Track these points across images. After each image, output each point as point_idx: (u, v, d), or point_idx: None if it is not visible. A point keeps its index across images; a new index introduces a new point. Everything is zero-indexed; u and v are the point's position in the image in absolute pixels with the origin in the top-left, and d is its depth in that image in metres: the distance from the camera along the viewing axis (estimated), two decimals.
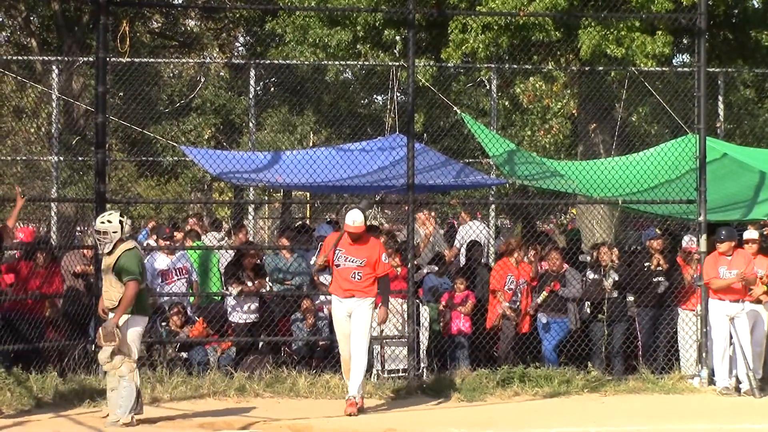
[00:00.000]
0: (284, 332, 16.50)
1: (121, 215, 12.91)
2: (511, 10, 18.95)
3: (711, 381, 15.89)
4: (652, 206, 17.11)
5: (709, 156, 16.43)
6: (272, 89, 28.87)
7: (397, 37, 20.71)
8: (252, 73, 20.37)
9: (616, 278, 16.75)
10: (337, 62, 21.61)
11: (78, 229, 22.22)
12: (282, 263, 17.05)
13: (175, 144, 21.07)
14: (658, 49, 19.33)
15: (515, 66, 20.36)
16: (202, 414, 13.58)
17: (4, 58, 24.57)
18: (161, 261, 16.93)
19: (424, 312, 16.45)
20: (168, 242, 17.55)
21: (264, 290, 16.56)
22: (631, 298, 16.80)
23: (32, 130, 21.18)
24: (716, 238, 15.88)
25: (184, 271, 17.01)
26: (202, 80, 28.45)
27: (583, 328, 16.67)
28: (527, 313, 16.78)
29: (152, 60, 25.18)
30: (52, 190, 19.59)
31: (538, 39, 19.34)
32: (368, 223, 14.69)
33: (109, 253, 12.76)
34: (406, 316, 15.80)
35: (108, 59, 15.45)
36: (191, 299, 17.14)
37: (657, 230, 17.51)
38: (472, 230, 19.00)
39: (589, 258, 17.48)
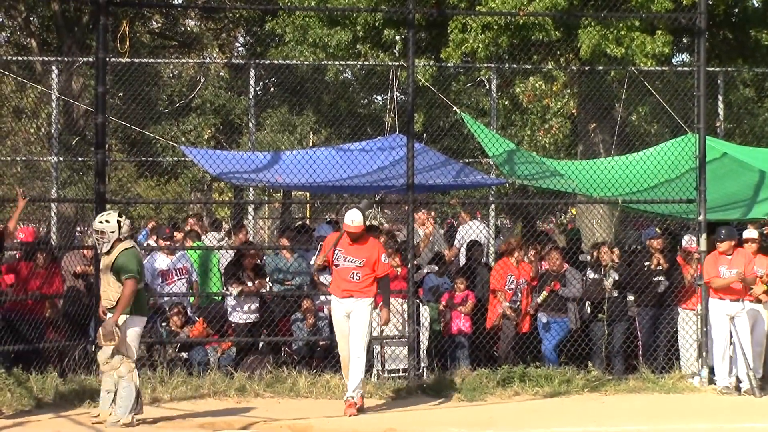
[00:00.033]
0: (284, 332, 16.49)
1: (119, 215, 12.91)
2: (510, 10, 18.96)
3: (711, 380, 15.87)
4: (652, 206, 17.09)
5: (708, 155, 16.43)
6: (272, 89, 28.87)
7: (397, 37, 20.70)
8: (252, 73, 20.35)
9: (617, 278, 16.74)
10: (336, 62, 21.61)
11: (78, 229, 22.19)
12: (282, 263, 17.03)
13: (174, 144, 21.07)
14: (658, 48, 19.34)
15: (515, 66, 20.35)
16: (202, 414, 13.58)
17: (4, 58, 24.54)
18: (161, 261, 16.92)
19: (425, 312, 16.44)
20: (168, 242, 17.55)
21: (264, 290, 16.56)
22: (631, 298, 16.80)
23: (32, 131, 21.15)
24: (716, 237, 15.88)
25: (184, 272, 17.01)
26: (202, 80, 28.46)
27: (583, 328, 16.66)
28: (527, 313, 16.77)
29: (152, 60, 25.18)
30: (52, 191, 19.57)
31: (538, 39, 19.34)
32: (368, 223, 14.68)
33: (108, 252, 12.78)
34: (406, 316, 15.79)
35: (108, 59, 15.44)
36: (191, 299, 17.14)
37: (657, 230, 17.50)
38: (471, 230, 19.00)
39: (589, 257, 17.47)
